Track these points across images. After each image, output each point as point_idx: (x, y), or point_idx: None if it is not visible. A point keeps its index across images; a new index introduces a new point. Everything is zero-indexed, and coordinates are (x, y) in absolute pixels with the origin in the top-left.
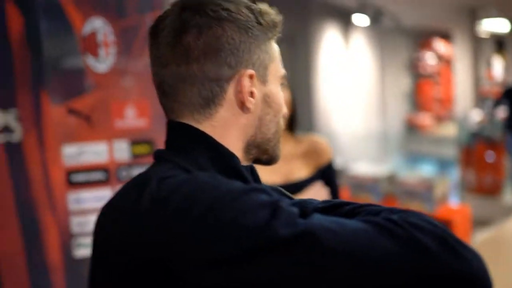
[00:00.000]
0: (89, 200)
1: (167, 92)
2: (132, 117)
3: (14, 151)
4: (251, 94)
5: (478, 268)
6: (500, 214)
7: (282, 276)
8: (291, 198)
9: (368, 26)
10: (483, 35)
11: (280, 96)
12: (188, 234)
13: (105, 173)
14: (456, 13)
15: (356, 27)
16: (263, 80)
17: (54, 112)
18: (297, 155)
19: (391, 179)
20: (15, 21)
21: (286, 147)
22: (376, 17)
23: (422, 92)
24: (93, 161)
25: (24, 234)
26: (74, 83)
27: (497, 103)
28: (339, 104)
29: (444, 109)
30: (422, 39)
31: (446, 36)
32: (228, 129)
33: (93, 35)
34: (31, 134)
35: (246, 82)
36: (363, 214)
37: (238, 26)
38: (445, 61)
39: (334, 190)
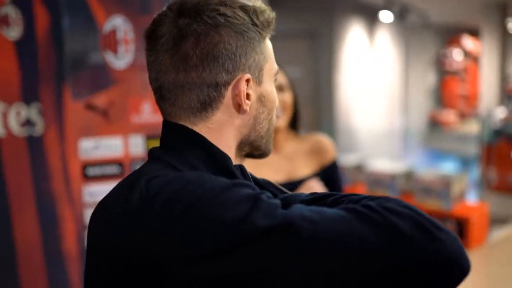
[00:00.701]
0: (104, 193)
1: (165, 97)
2: (148, 113)
3: (36, 144)
4: (247, 96)
5: (453, 249)
6: None
7: (263, 267)
8: (285, 194)
9: (394, 23)
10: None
11: (274, 93)
12: (172, 232)
13: (119, 167)
14: (485, 9)
15: (382, 23)
16: (258, 81)
17: (74, 107)
18: (301, 153)
19: (408, 175)
20: (42, 18)
21: (289, 146)
22: (402, 13)
23: (447, 89)
24: (109, 155)
25: (42, 224)
26: (95, 79)
27: None
28: (361, 101)
29: (468, 106)
30: (449, 35)
31: (474, 33)
32: (224, 130)
33: (113, 32)
34: (52, 128)
35: (243, 86)
36: (344, 203)
37: (234, 31)
38: (472, 58)
39: (337, 188)
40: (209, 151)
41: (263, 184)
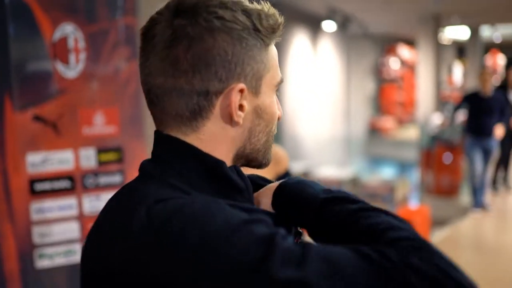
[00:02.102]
0: (53, 209)
1: (154, 102)
2: (100, 124)
3: None
4: (241, 107)
5: None
6: (457, 214)
7: None
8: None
9: (336, 32)
10: (445, 42)
11: (274, 104)
12: (180, 273)
13: (70, 181)
14: (421, 21)
15: (325, 33)
16: (256, 92)
17: (19, 118)
18: None
19: (354, 181)
20: None
21: None
22: (344, 23)
23: (385, 96)
24: (58, 169)
25: None
26: (41, 89)
27: (457, 107)
28: (306, 109)
29: (406, 113)
30: (387, 45)
31: (410, 43)
32: (216, 142)
33: (63, 40)
34: None
35: (235, 96)
36: (365, 227)
37: (232, 37)
38: (409, 66)
39: None
40: (202, 159)
41: (254, 179)
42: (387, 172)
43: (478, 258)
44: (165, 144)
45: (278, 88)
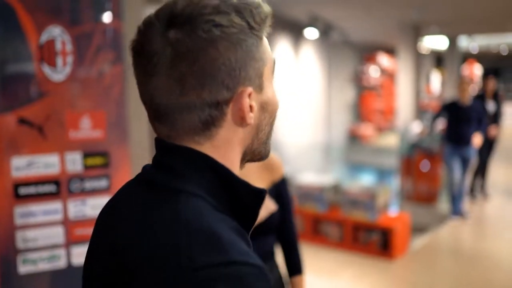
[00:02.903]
0: (38, 214)
1: (162, 119)
2: (86, 128)
3: None
4: (251, 108)
5: None
6: (435, 221)
7: None
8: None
9: (318, 40)
10: (424, 51)
11: (274, 93)
12: None
13: (55, 185)
14: (400, 30)
15: (307, 40)
16: (260, 89)
17: (3, 120)
18: (252, 169)
19: (336, 188)
20: None
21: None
22: (325, 31)
23: (365, 103)
24: (44, 173)
25: None
26: (23, 91)
27: (436, 116)
28: (287, 115)
29: (385, 121)
30: (367, 53)
31: (390, 51)
32: (229, 146)
33: (50, 43)
34: None
35: (245, 100)
36: None
37: (232, 43)
38: (388, 75)
39: (288, 202)
40: (219, 172)
41: None
42: (366, 179)
43: (456, 264)
44: (178, 155)
45: (274, 70)
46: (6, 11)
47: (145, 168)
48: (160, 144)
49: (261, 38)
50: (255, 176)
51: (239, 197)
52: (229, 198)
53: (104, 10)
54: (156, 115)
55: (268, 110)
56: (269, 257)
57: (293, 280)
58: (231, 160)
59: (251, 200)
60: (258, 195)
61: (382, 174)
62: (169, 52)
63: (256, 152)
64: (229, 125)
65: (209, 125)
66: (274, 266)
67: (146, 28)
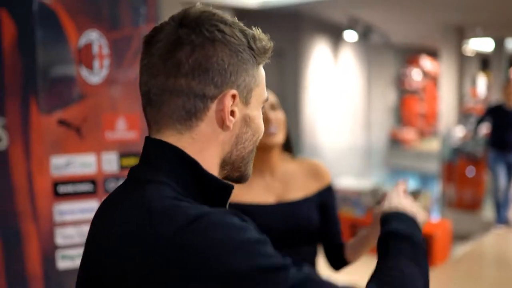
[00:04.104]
0: (75, 212)
1: (152, 102)
2: (122, 129)
3: None
4: (232, 113)
5: None
6: (479, 229)
7: None
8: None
9: (357, 42)
10: (469, 54)
11: (260, 118)
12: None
13: (92, 185)
14: (444, 32)
15: (346, 42)
16: (246, 102)
17: (43, 121)
18: (296, 176)
19: (374, 193)
20: (8, 30)
21: (284, 168)
22: (365, 33)
23: (407, 107)
24: (81, 173)
25: (4, 243)
26: (65, 93)
27: (480, 120)
28: (326, 118)
29: (427, 125)
30: (409, 55)
31: (433, 54)
32: (207, 143)
33: (88, 46)
34: (17, 144)
35: (228, 101)
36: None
37: (229, 49)
38: (431, 78)
39: (334, 211)
40: (190, 165)
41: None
42: (408, 184)
43: (500, 274)
44: (156, 149)
45: (263, 105)
46: (50, 16)
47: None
48: (145, 141)
49: (258, 63)
50: (296, 183)
51: (207, 190)
52: (198, 190)
53: (141, 15)
54: (148, 97)
55: (251, 127)
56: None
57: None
58: (206, 157)
59: (218, 193)
60: (225, 189)
61: (424, 179)
62: (173, 40)
63: (235, 166)
64: (209, 122)
65: (191, 115)
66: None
67: (161, 25)
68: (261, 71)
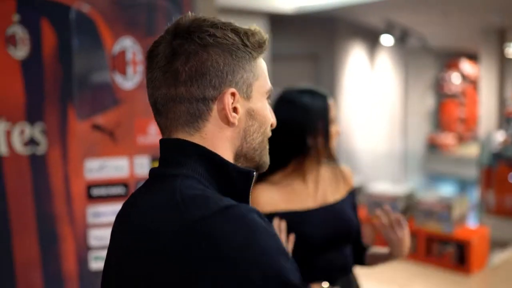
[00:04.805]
0: (108, 214)
1: (160, 111)
2: (154, 134)
3: (38, 163)
4: (235, 109)
5: None
6: None
7: None
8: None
9: (394, 46)
10: (510, 57)
11: (265, 108)
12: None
13: (124, 188)
14: (484, 35)
15: (382, 47)
16: (247, 96)
17: (79, 127)
18: (330, 180)
19: (409, 198)
20: (49, 38)
21: (321, 174)
22: (402, 37)
23: (446, 112)
24: (114, 176)
25: (42, 244)
26: (101, 99)
27: None
28: (362, 123)
29: (467, 129)
30: (448, 59)
31: (472, 57)
32: (217, 141)
33: (122, 53)
34: (56, 148)
35: (228, 100)
36: None
37: (223, 50)
38: (471, 82)
39: (357, 212)
40: (208, 157)
41: None
42: (446, 190)
43: None
44: (173, 147)
45: (269, 96)
46: (87, 24)
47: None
48: (160, 143)
49: (255, 57)
50: (330, 186)
51: (230, 179)
52: (221, 180)
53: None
54: (157, 108)
55: (256, 119)
56: (345, 270)
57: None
58: (220, 152)
59: (241, 181)
60: (247, 176)
61: (463, 185)
62: (169, 52)
63: (249, 157)
64: (215, 121)
65: (196, 117)
66: (353, 281)
67: (159, 39)
68: (260, 64)
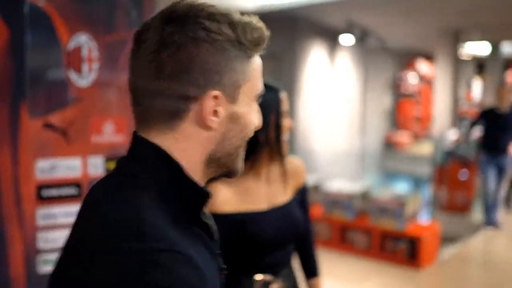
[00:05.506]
0: (59, 216)
1: (138, 101)
2: (109, 133)
3: None
4: (215, 113)
5: None
6: (468, 231)
7: None
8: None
9: (354, 46)
10: (465, 57)
11: (251, 113)
12: None
13: (77, 188)
14: (440, 35)
15: (342, 46)
16: (233, 99)
17: (31, 125)
18: (280, 178)
19: (364, 196)
20: (0, 32)
21: (272, 171)
22: (362, 37)
23: (402, 111)
24: (66, 176)
25: None
26: (55, 97)
27: (474, 123)
28: (321, 122)
29: (422, 128)
30: (406, 59)
31: (429, 57)
32: (190, 143)
33: (77, 50)
34: (5, 147)
35: (209, 102)
36: None
37: (215, 47)
38: (427, 81)
39: (308, 208)
40: (171, 167)
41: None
42: (400, 187)
43: (487, 276)
44: (141, 147)
45: (258, 98)
46: (42, 19)
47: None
48: (132, 136)
49: (250, 56)
50: (279, 184)
51: (184, 193)
52: (176, 192)
53: (136, 18)
54: (135, 98)
55: (238, 123)
56: (287, 264)
57: (311, 282)
58: (189, 156)
59: (194, 198)
60: (201, 195)
61: (418, 182)
62: (157, 40)
63: (223, 162)
64: (191, 122)
65: (173, 116)
66: (291, 271)
67: (150, 21)
68: (253, 65)
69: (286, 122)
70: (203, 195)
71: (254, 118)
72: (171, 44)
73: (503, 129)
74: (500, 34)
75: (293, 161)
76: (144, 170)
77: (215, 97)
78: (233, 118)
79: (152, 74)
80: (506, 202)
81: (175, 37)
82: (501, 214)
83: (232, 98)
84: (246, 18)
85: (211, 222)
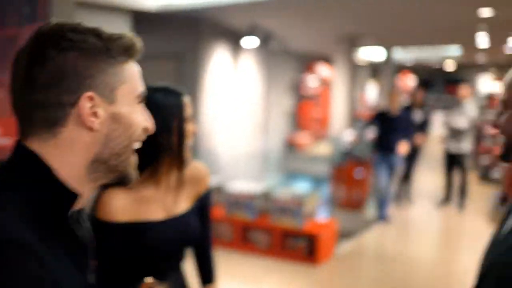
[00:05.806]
0: None
1: (19, 116)
2: None
3: None
4: (95, 114)
5: None
6: (362, 226)
7: None
8: None
9: (257, 48)
10: (360, 62)
11: (134, 113)
12: None
13: None
14: (337, 41)
15: (246, 48)
16: (111, 101)
17: None
18: (180, 186)
19: (266, 196)
20: None
21: (172, 178)
22: (265, 40)
23: (303, 112)
24: None
25: None
26: None
27: (367, 124)
28: (224, 124)
29: (321, 129)
30: (306, 62)
31: (328, 61)
32: (71, 147)
33: None
34: None
35: (86, 104)
36: None
37: (82, 55)
38: (326, 84)
39: (208, 213)
40: (39, 170)
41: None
42: (301, 187)
43: (379, 268)
44: (16, 151)
45: (141, 100)
46: None
47: None
48: (15, 142)
49: (120, 61)
50: (181, 195)
51: (49, 194)
52: (40, 193)
53: (31, 14)
54: (17, 113)
55: (121, 123)
56: (175, 268)
57: None
58: (69, 161)
59: (61, 199)
60: (68, 196)
61: (317, 181)
62: (28, 58)
63: (112, 166)
64: (73, 126)
65: (54, 124)
66: (179, 275)
67: (23, 47)
68: (127, 69)
69: (190, 127)
70: (70, 197)
71: (139, 119)
72: (39, 59)
73: (393, 130)
74: (391, 41)
75: (196, 166)
76: (15, 175)
77: (90, 98)
78: (115, 119)
79: (27, 88)
80: (396, 198)
81: (44, 51)
82: (391, 209)
83: (109, 99)
84: (113, 32)
85: (84, 228)
